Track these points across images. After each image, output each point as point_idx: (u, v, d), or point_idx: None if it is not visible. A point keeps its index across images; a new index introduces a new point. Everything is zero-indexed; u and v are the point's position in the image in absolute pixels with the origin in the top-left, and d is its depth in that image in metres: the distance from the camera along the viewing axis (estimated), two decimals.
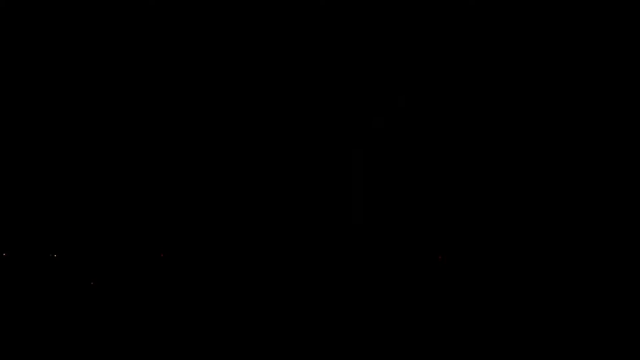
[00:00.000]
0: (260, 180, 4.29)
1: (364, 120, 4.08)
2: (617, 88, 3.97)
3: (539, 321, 4.09)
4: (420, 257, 4.39)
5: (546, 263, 4.15)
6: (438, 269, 4.25)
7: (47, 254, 4.41)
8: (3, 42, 4.18)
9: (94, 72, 4.23)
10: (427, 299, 4.21)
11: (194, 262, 4.42)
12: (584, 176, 4.05)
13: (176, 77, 4.23)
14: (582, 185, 4.04)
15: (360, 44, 4.07)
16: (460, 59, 4.07)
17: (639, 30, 3.91)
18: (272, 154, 4.26)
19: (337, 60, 4.09)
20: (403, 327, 4.20)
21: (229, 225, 4.40)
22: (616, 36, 3.95)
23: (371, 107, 4.11)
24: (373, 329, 4.21)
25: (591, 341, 3.96)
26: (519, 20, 4.03)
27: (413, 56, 4.08)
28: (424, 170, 4.15)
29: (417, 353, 4.11)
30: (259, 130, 4.21)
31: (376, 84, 4.11)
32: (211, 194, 4.32)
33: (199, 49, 4.21)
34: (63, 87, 4.22)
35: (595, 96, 4.01)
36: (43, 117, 4.20)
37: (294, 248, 4.38)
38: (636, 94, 3.95)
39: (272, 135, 4.23)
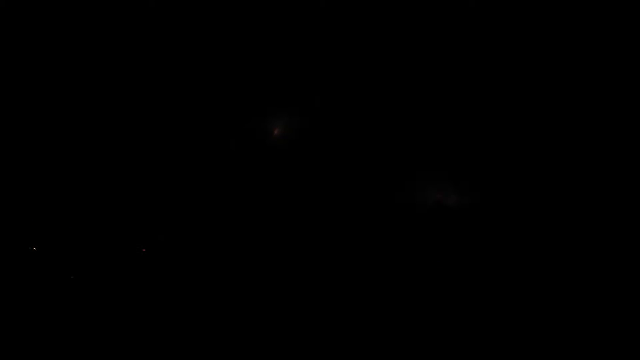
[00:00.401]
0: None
1: None
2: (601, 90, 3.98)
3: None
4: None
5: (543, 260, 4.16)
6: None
7: (26, 246, 4.39)
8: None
9: (83, 72, 4.22)
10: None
11: (175, 258, 4.40)
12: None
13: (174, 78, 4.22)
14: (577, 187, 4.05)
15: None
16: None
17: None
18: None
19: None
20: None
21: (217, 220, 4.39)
22: (616, 36, 3.96)
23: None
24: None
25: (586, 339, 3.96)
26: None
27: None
28: None
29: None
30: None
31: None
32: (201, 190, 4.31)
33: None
34: (50, 84, 4.20)
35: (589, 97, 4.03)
36: (22, 114, 4.19)
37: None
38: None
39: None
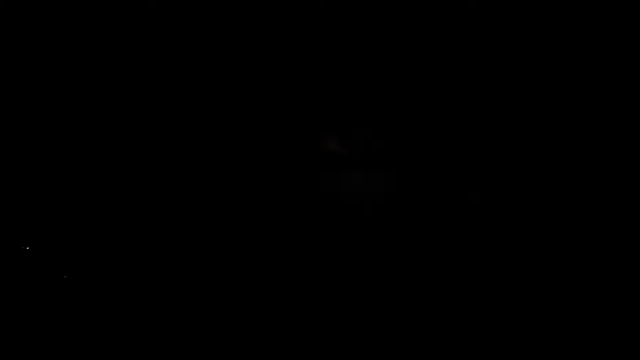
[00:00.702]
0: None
1: None
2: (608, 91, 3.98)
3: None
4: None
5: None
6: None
7: (18, 245, 4.38)
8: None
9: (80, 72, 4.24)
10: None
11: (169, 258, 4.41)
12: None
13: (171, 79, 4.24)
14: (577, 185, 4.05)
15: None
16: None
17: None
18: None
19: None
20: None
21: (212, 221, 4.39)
22: (616, 36, 3.97)
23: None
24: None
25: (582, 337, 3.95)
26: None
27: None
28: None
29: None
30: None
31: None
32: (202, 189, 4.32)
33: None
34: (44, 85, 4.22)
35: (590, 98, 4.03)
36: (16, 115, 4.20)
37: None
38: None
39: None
